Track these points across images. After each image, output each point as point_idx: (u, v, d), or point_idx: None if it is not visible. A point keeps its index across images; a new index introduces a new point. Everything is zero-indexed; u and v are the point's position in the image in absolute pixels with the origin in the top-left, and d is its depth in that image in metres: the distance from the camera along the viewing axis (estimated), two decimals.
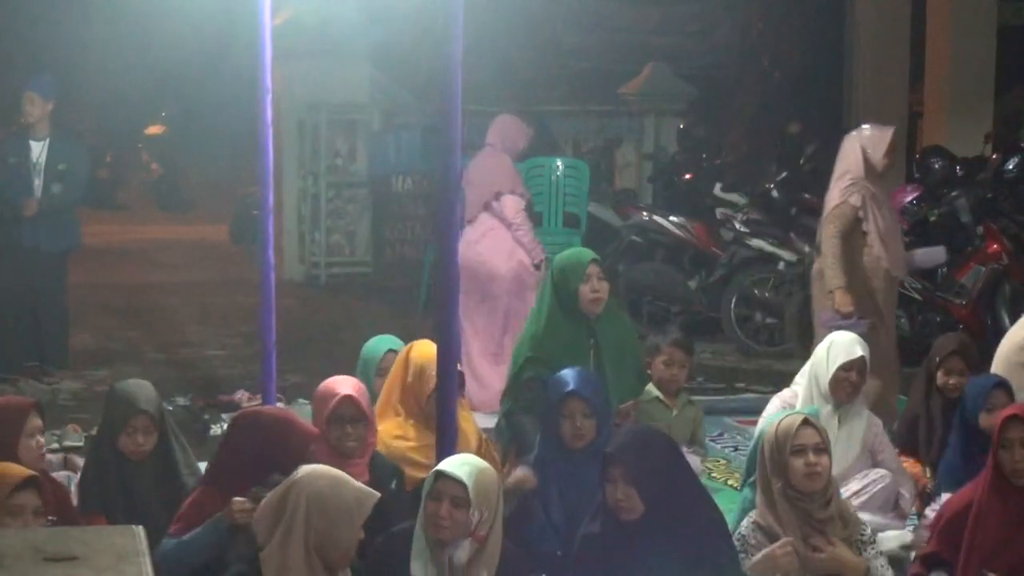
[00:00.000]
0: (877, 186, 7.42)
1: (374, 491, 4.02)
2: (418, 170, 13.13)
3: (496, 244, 8.25)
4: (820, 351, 5.94)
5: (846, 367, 5.80)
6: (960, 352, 6.39)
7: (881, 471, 5.79)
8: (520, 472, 5.23)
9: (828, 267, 7.11)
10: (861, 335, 6.11)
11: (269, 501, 4.03)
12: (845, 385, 5.80)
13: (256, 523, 4.04)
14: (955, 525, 4.77)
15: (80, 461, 5.86)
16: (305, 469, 4.06)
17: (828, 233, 7.20)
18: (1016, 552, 4.67)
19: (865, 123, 7.96)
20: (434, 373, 4.62)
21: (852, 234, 7.24)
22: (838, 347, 5.86)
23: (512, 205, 8.33)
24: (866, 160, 7.40)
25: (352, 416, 4.99)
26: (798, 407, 5.80)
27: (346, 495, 3.95)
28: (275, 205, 7.67)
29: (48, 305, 9.16)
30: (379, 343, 6.25)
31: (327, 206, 13.93)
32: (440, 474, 4.22)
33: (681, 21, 19.51)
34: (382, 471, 5.06)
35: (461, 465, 4.24)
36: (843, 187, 7.30)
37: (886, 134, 7.53)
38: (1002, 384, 5.76)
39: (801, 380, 6.04)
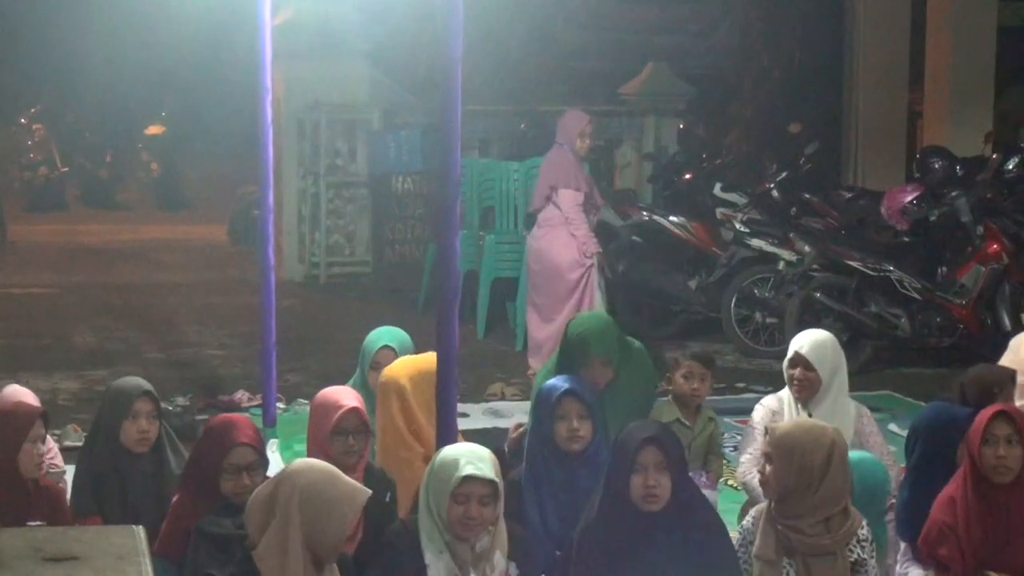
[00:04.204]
0: None
1: (366, 488, 4.01)
2: (418, 170, 13.11)
3: (551, 235, 8.95)
4: None
5: (789, 364, 5.76)
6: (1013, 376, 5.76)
7: None
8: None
9: None
10: None
11: (258, 496, 4.01)
12: (793, 383, 5.75)
13: (246, 521, 4.01)
14: (940, 531, 4.73)
15: None
16: (298, 462, 4.06)
17: None
18: (1011, 550, 4.66)
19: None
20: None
21: None
22: (793, 341, 5.83)
23: (567, 199, 8.90)
24: None
25: (355, 428, 4.99)
26: (785, 411, 5.76)
27: (339, 488, 3.95)
28: (275, 205, 7.67)
29: None
30: (377, 337, 6.23)
31: (327, 206, 13.92)
32: (468, 478, 4.18)
33: (681, 21, 19.52)
34: (378, 483, 5.00)
35: (481, 462, 4.23)
36: None
37: None
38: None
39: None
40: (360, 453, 4.99)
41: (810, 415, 5.69)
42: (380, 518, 4.85)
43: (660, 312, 10.93)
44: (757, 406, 5.93)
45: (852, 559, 4.52)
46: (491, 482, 4.19)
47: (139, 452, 5.13)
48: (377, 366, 5.94)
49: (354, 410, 4.99)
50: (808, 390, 5.76)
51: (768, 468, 4.49)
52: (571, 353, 5.85)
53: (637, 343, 6.27)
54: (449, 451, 4.35)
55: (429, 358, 5.56)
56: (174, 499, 4.87)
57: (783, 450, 4.47)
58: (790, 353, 5.79)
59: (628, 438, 4.48)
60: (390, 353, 6.04)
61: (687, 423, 6.02)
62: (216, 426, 4.88)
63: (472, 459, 4.24)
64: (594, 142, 9.26)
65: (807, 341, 5.81)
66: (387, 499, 5.03)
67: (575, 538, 4.56)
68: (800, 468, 4.45)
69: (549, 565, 4.83)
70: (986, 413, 4.74)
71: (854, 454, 4.93)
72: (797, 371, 5.75)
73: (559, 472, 5.08)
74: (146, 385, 5.22)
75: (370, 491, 4.02)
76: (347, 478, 4.03)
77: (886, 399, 8.71)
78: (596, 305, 8.86)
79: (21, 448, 4.78)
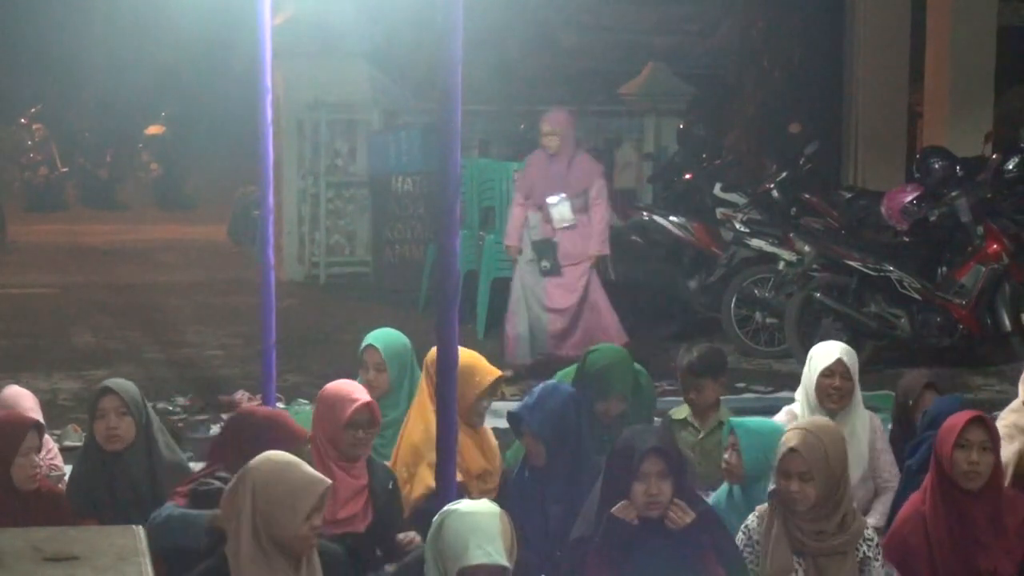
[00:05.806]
0: None
1: (326, 478, 4.00)
2: (418, 170, 13.11)
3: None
4: (806, 365, 5.83)
5: (826, 373, 5.69)
6: (933, 385, 6.14)
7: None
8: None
9: None
10: None
11: (227, 492, 4.03)
12: (830, 391, 5.68)
13: (222, 517, 4.03)
14: (905, 539, 4.70)
15: None
16: (258, 457, 4.06)
17: None
18: (982, 557, 4.62)
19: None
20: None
21: None
22: (818, 354, 5.76)
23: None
24: None
25: (367, 422, 5.05)
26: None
27: (292, 479, 3.92)
28: (275, 205, 7.67)
29: None
30: (366, 337, 6.27)
31: (327, 206, 13.92)
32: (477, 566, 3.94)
33: (681, 21, 19.52)
34: (380, 472, 5.20)
35: (491, 544, 3.91)
36: None
37: None
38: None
39: (799, 397, 5.90)
40: (367, 447, 5.07)
41: None
42: (387, 503, 5.07)
43: (660, 312, 10.92)
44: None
45: (859, 557, 4.53)
46: (502, 567, 3.93)
47: (114, 450, 5.10)
48: (364, 365, 6.08)
49: (369, 404, 5.06)
50: (844, 400, 5.69)
51: (802, 485, 4.44)
52: (589, 385, 5.77)
53: (643, 371, 6.22)
54: (457, 523, 3.97)
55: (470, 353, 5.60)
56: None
57: (823, 465, 4.43)
58: (825, 363, 5.68)
59: (629, 448, 4.46)
60: (375, 352, 6.08)
61: (695, 424, 5.99)
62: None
63: (482, 541, 3.90)
64: (557, 136, 9.39)
65: (839, 349, 5.75)
66: (390, 486, 5.17)
67: (569, 543, 4.57)
68: (833, 477, 4.46)
69: (550, 562, 4.85)
70: (962, 417, 4.68)
71: (754, 421, 5.08)
72: (836, 380, 5.67)
73: (529, 485, 5.21)
74: (110, 383, 5.20)
75: (329, 481, 4.01)
76: (306, 468, 4.01)
77: (886, 399, 8.70)
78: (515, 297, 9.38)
79: (13, 463, 4.71)
